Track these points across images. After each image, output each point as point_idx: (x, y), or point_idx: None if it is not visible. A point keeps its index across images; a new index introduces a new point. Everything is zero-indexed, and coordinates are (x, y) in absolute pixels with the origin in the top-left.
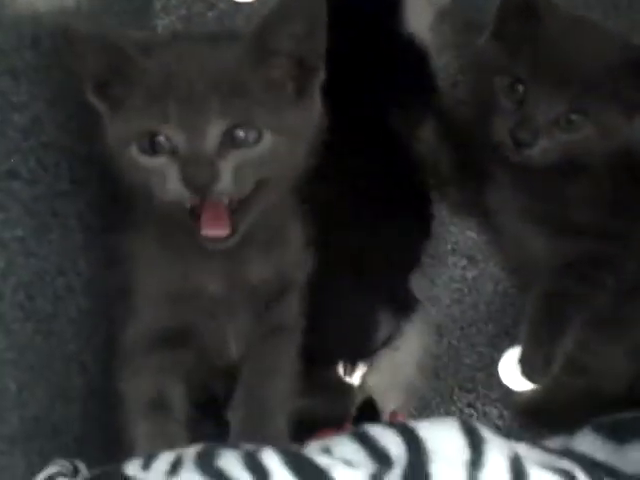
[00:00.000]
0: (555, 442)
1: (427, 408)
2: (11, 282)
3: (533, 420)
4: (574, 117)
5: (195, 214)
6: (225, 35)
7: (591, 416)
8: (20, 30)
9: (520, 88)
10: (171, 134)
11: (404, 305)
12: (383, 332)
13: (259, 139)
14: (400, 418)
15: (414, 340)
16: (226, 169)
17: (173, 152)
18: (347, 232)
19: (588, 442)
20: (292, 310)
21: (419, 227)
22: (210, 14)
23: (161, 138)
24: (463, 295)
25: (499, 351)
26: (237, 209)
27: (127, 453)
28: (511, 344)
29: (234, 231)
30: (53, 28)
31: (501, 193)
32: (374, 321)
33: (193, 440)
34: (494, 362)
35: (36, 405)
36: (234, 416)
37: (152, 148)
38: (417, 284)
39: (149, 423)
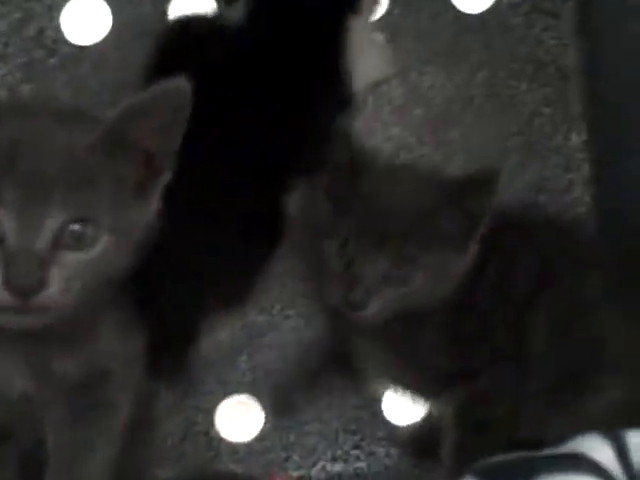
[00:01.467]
0: None
1: (313, 454)
2: None
3: (418, 453)
4: (401, 271)
5: None
6: (78, 114)
7: None
8: None
9: (349, 249)
10: (1, 220)
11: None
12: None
13: (96, 240)
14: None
15: None
16: (56, 274)
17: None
18: None
19: None
20: (111, 390)
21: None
22: (52, 60)
23: None
24: None
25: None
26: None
27: None
28: None
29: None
30: None
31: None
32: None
33: None
34: (377, 400)
35: None
36: None
37: None
38: None
39: None
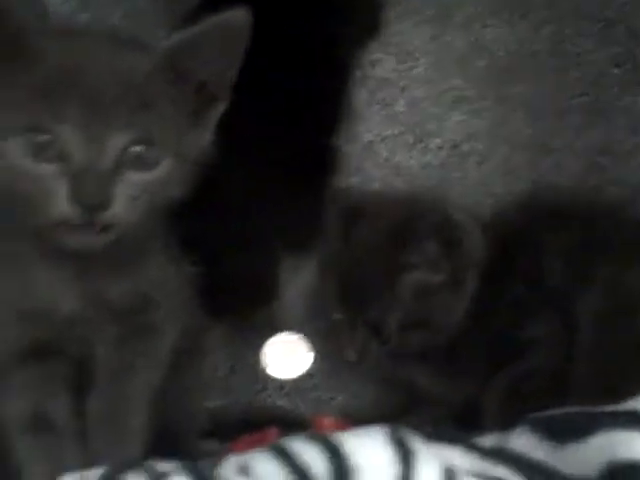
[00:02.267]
0: (490, 440)
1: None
2: None
3: None
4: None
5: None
6: (137, 42)
7: None
8: None
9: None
10: (65, 138)
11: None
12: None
13: (157, 162)
14: (327, 423)
15: None
16: (121, 192)
17: (62, 159)
18: None
19: (524, 440)
20: (158, 317)
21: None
22: None
23: (48, 140)
24: None
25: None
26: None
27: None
28: None
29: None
30: None
31: None
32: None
33: (85, 454)
34: None
35: None
36: (89, 420)
37: (36, 150)
38: None
39: (32, 444)
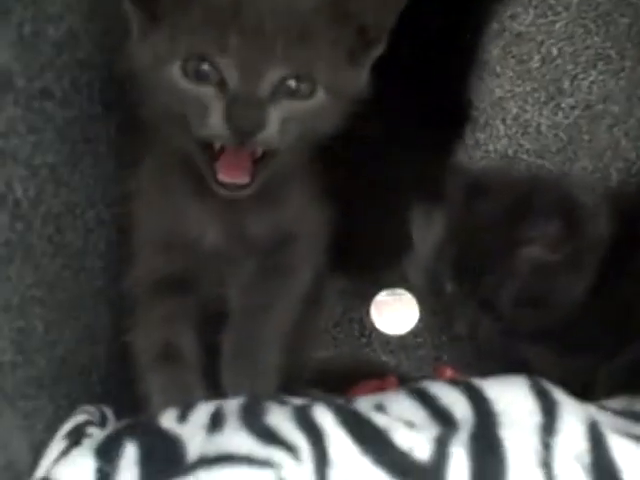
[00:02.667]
0: (617, 403)
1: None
2: (41, 212)
3: None
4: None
5: (214, 156)
6: None
7: None
8: None
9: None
10: (225, 66)
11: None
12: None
13: (312, 94)
14: (449, 373)
15: None
16: (274, 118)
17: (220, 84)
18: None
19: None
20: (296, 255)
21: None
22: None
23: (209, 67)
24: None
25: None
26: (259, 159)
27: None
28: None
29: (252, 181)
30: None
31: None
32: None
33: (209, 389)
34: None
35: (63, 345)
36: (224, 355)
37: (197, 74)
38: None
39: (162, 374)
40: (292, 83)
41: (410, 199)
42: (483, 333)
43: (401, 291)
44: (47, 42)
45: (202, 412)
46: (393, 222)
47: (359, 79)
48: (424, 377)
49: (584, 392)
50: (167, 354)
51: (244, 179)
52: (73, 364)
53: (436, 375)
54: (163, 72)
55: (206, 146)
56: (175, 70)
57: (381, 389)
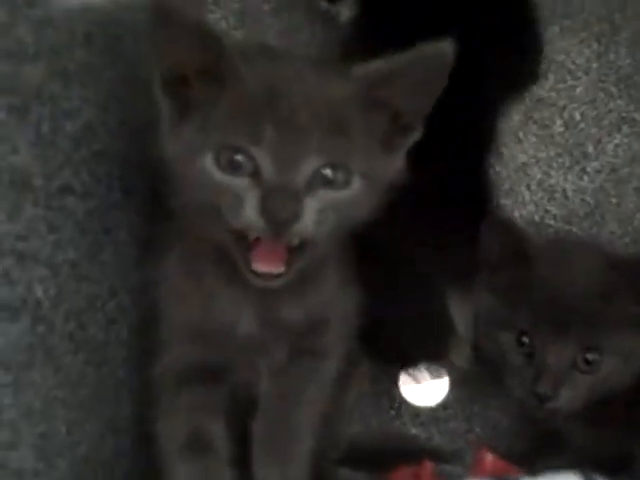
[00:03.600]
0: None
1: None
2: (62, 311)
3: None
4: (590, 356)
5: (248, 246)
6: (329, 64)
7: None
8: (72, 27)
9: (526, 340)
10: (260, 158)
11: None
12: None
13: (348, 183)
14: (489, 459)
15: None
16: (310, 209)
17: (254, 175)
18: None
19: None
20: (328, 339)
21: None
22: (266, 7)
23: (243, 158)
24: None
25: None
26: (295, 248)
27: None
28: None
29: (287, 270)
30: (106, 24)
31: None
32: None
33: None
34: None
35: (86, 443)
36: (255, 442)
37: (231, 165)
38: None
39: (188, 465)
40: (328, 172)
41: (445, 282)
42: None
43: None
44: (65, 138)
45: None
46: (433, 308)
47: (395, 165)
48: (457, 451)
49: (621, 465)
50: (194, 444)
51: (279, 269)
52: (95, 461)
53: (475, 459)
54: (195, 163)
55: (240, 236)
56: (208, 161)
57: (417, 476)
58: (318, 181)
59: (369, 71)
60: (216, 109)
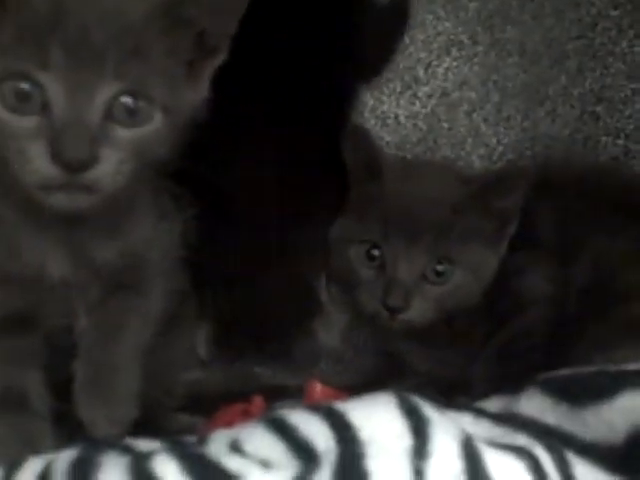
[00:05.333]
0: (498, 403)
1: None
2: None
3: None
4: (440, 267)
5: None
6: None
7: None
8: None
9: (377, 253)
10: (48, 85)
11: None
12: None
13: (148, 116)
14: (318, 389)
15: None
16: (108, 150)
17: (44, 113)
18: None
19: (535, 404)
20: (145, 276)
21: None
22: None
23: (30, 87)
24: None
25: None
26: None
27: None
28: None
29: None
30: None
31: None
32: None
33: (61, 436)
34: None
35: None
36: (77, 383)
37: (18, 99)
38: None
39: (3, 422)
40: (127, 102)
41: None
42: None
43: None
44: None
45: (29, 470)
46: (301, 285)
47: (197, 95)
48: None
49: (458, 386)
50: (8, 399)
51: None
52: None
53: (306, 395)
54: None
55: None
56: None
57: (247, 412)
58: (116, 116)
59: None
60: (1, 33)
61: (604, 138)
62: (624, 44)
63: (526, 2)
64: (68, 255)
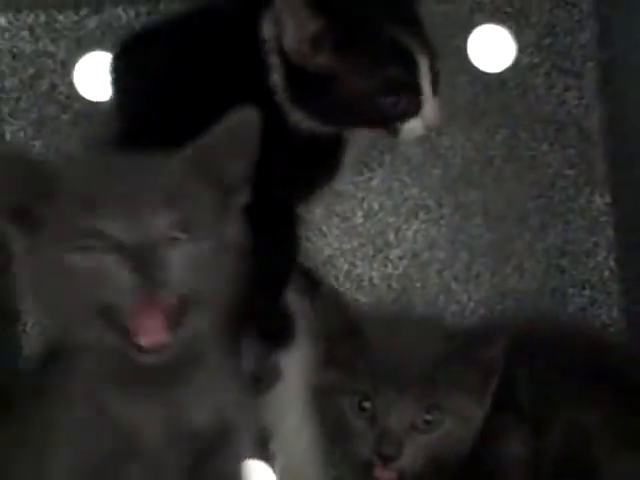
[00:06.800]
0: None
1: None
2: None
3: None
4: (429, 417)
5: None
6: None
7: None
8: None
9: (368, 405)
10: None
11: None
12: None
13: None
14: None
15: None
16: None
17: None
18: None
19: None
20: (237, 458)
21: None
22: (64, 117)
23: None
24: None
25: None
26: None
27: None
28: None
29: (173, 338)
30: None
31: None
32: None
33: None
34: None
35: None
36: None
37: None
38: None
39: None
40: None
41: None
42: None
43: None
44: None
45: None
46: None
47: (235, 227)
48: None
49: None
50: None
51: (163, 336)
52: None
53: None
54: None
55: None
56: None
57: None
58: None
59: (196, 146)
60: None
61: (570, 290)
62: (582, 200)
63: (486, 166)
64: (163, 421)
